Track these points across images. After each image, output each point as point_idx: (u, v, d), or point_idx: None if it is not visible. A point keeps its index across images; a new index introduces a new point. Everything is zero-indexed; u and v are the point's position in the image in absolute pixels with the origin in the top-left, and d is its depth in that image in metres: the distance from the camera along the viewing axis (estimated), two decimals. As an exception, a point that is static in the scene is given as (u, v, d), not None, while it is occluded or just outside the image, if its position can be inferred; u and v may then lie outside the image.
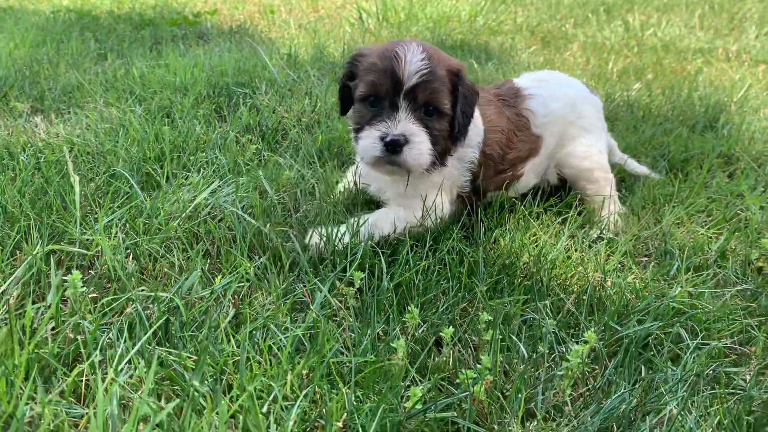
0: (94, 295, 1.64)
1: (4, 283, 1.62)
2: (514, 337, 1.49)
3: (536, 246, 1.89)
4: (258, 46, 4.18)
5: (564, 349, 1.50)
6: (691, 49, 4.91)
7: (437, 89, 1.76)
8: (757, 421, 1.37)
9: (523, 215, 2.04)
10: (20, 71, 3.55)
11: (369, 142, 1.77)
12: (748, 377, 1.50)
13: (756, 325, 1.63)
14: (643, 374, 1.47)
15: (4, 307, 1.56)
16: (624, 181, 2.49)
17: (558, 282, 1.76)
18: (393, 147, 1.73)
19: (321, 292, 1.58)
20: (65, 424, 1.21)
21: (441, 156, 1.86)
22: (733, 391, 1.43)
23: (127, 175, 2.06)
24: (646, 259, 1.96)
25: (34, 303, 1.57)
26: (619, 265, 1.87)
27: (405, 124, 1.74)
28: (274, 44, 4.73)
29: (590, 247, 1.96)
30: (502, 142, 2.07)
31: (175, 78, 3.30)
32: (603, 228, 2.07)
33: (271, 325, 1.47)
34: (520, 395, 1.33)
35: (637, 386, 1.40)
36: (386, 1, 6.18)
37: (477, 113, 1.99)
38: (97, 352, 1.37)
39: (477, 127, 2.00)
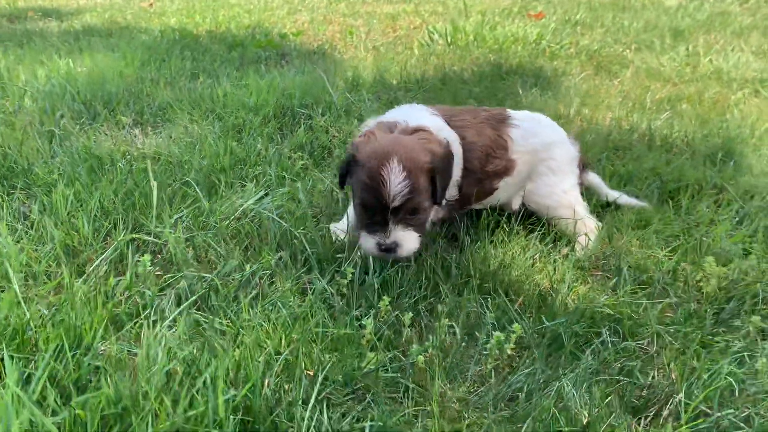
0: (160, 272, 2.23)
1: (97, 260, 2.25)
2: (455, 325, 1.94)
3: (504, 256, 2.31)
4: (323, 71, 4.74)
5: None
6: (740, 78, 5.05)
7: (417, 201, 2.14)
8: (641, 404, 1.75)
9: (504, 231, 2.47)
10: (128, 89, 4.28)
11: (369, 246, 2.18)
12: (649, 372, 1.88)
13: (666, 332, 1.99)
14: (561, 361, 1.88)
15: (95, 277, 2.18)
16: (614, 207, 2.83)
17: (513, 287, 2.19)
18: (388, 251, 2.17)
19: (320, 281, 2.09)
20: (125, 356, 1.77)
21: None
22: (628, 379, 1.82)
23: (193, 183, 2.65)
24: (601, 273, 2.34)
25: (117, 276, 2.17)
26: (573, 277, 2.26)
27: (394, 233, 2.15)
28: (347, 65, 5.29)
29: (554, 261, 2.36)
30: (481, 157, 2.46)
31: (250, 99, 3.92)
32: (573, 246, 2.46)
33: (278, 302, 1.99)
34: (451, 366, 1.79)
35: (544, 367, 1.82)
36: (456, 23, 6.63)
37: (455, 138, 2.39)
38: (151, 311, 1.95)
39: (456, 153, 2.38)
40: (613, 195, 2.84)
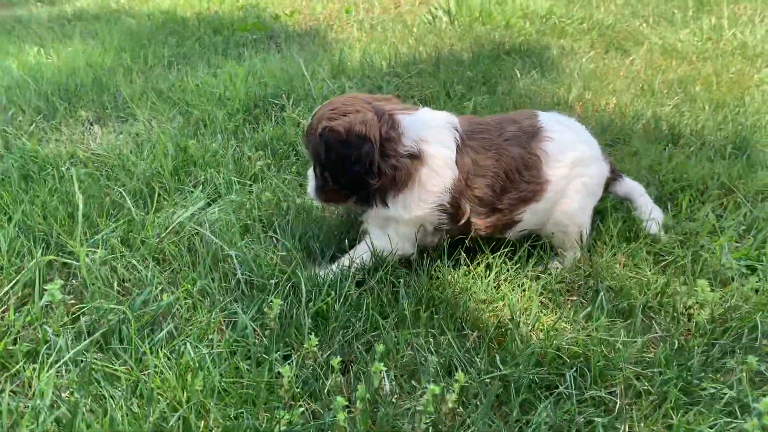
0: (73, 301, 1.99)
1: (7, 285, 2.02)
2: (384, 371, 1.64)
3: (465, 277, 2.02)
4: (309, 55, 4.43)
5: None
6: (767, 53, 4.61)
7: (306, 144, 2.17)
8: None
9: (468, 245, 2.16)
10: (97, 80, 4.02)
11: None
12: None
13: (643, 375, 1.68)
14: (515, 414, 1.59)
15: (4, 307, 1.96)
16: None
17: (471, 317, 1.89)
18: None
19: (243, 315, 1.83)
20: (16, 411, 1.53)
21: (359, 196, 2.12)
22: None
23: (125, 192, 2.40)
24: (576, 299, 2.03)
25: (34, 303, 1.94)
26: (540, 304, 1.96)
27: (310, 170, 2.22)
28: (337, 47, 4.95)
29: (521, 285, 2.04)
30: (494, 184, 2.10)
31: (217, 90, 3.63)
32: (547, 263, 2.15)
33: (188, 344, 1.72)
34: (380, 424, 1.51)
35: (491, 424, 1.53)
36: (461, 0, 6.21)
37: (446, 162, 2.05)
38: (44, 351, 1.71)
39: (439, 176, 2.05)
40: (652, 211, 2.37)
